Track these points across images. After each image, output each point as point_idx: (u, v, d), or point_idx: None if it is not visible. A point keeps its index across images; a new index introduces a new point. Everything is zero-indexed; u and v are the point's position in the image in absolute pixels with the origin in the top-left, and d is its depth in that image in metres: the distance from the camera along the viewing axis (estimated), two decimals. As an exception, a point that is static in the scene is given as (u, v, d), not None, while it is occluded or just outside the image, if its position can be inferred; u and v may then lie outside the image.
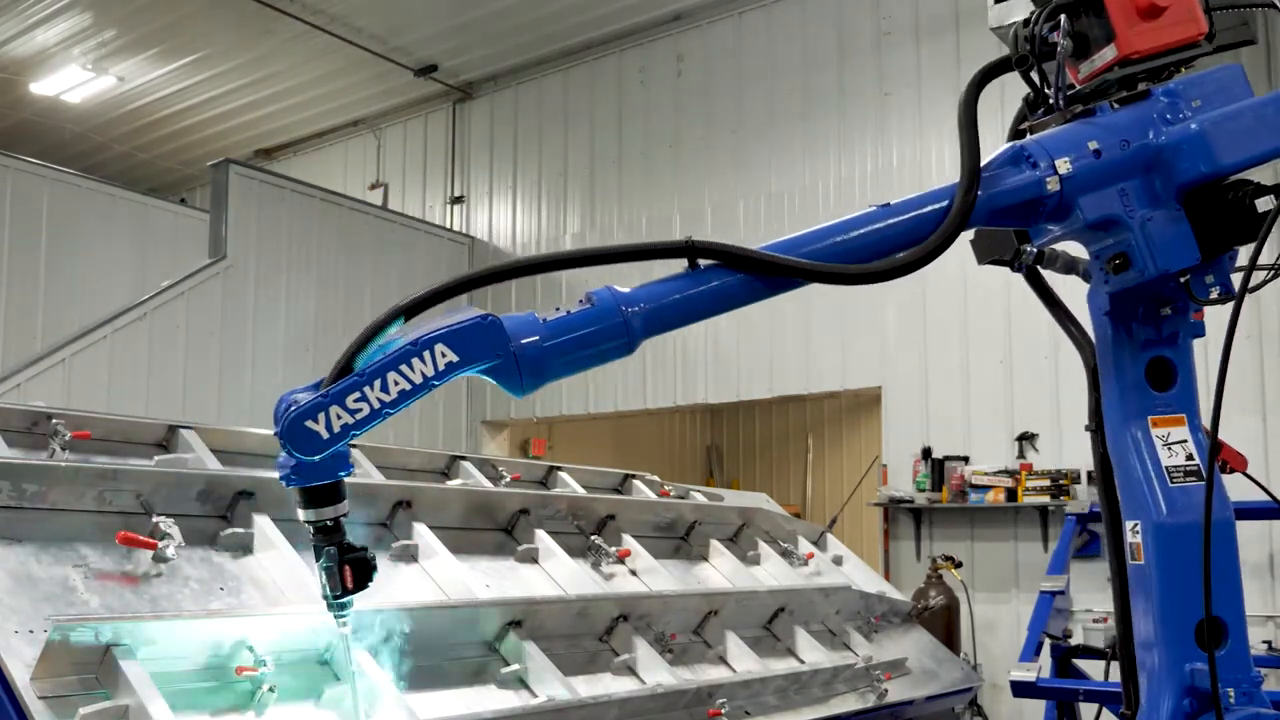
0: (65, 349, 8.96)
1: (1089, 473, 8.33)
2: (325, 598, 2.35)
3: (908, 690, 5.10)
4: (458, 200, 13.10)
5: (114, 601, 2.90)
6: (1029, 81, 2.81)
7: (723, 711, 3.87)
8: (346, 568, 2.34)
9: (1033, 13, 2.75)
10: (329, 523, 2.29)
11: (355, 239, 11.47)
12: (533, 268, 2.57)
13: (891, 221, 2.56)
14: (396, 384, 2.19)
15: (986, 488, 8.80)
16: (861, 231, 2.54)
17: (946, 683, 5.51)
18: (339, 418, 2.17)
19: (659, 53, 11.52)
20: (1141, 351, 2.64)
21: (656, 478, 6.09)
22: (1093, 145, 2.58)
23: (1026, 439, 8.85)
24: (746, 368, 10.52)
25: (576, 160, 12.09)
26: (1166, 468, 2.54)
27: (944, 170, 9.50)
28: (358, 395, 2.18)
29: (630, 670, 3.91)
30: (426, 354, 2.20)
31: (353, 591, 2.34)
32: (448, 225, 12.95)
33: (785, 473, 14.96)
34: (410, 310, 2.27)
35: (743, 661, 4.34)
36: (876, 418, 9.95)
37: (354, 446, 4.59)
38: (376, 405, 2.19)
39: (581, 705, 3.44)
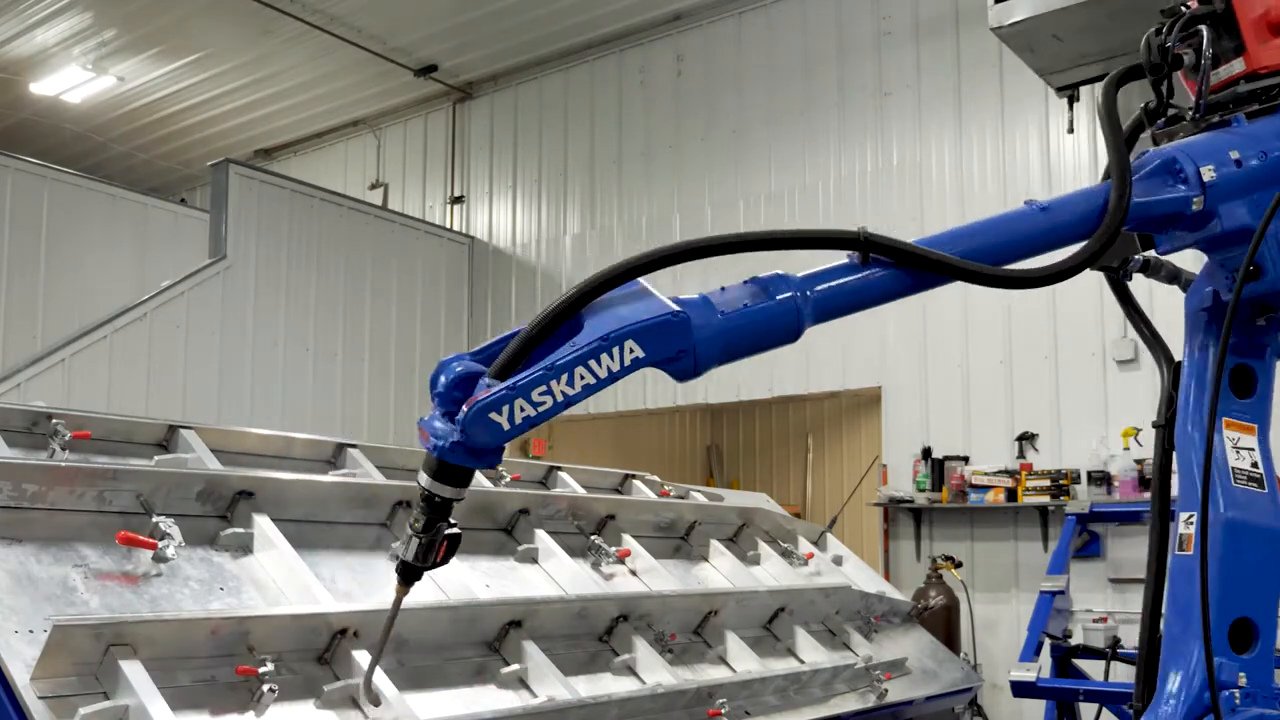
0: (65, 349, 8.96)
1: (1089, 473, 8.33)
2: (405, 562, 2.35)
3: (908, 690, 5.10)
4: (458, 200, 13.10)
5: (114, 601, 2.90)
6: (1156, 90, 2.85)
7: (723, 711, 3.87)
8: (445, 544, 2.33)
9: (1162, 23, 2.79)
10: (440, 500, 2.26)
11: (355, 239, 11.47)
12: (720, 248, 2.61)
13: (1045, 222, 2.57)
14: (582, 378, 2.14)
15: (986, 488, 8.80)
16: (1015, 231, 2.57)
17: (946, 683, 5.51)
18: (522, 410, 2.10)
19: (659, 53, 11.52)
20: (1230, 358, 2.67)
21: (656, 478, 6.09)
22: (1234, 155, 2.61)
23: (1026, 439, 8.85)
24: (746, 368, 10.51)
25: (576, 160, 12.09)
26: (1232, 468, 2.58)
27: (944, 170, 9.50)
28: (544, 389, 2.11)
29: (630, 670, 3.91)
30: (616, 349, 2.17)
31: (439, 565, 2.36)
32: (448, 225, 12.95)
33: (785, 473, 14.95)
34: (595, 290, 2.24)
35: (743, 661, 4.34)
36: (876, 418, 9.95)
37: (354, 447, 4.61)
38: (560, 399, 2.13)
39: (581, 705, 3.44)
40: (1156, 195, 2.57)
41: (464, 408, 2.10)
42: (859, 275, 2.44)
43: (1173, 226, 2.66)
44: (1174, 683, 2.52)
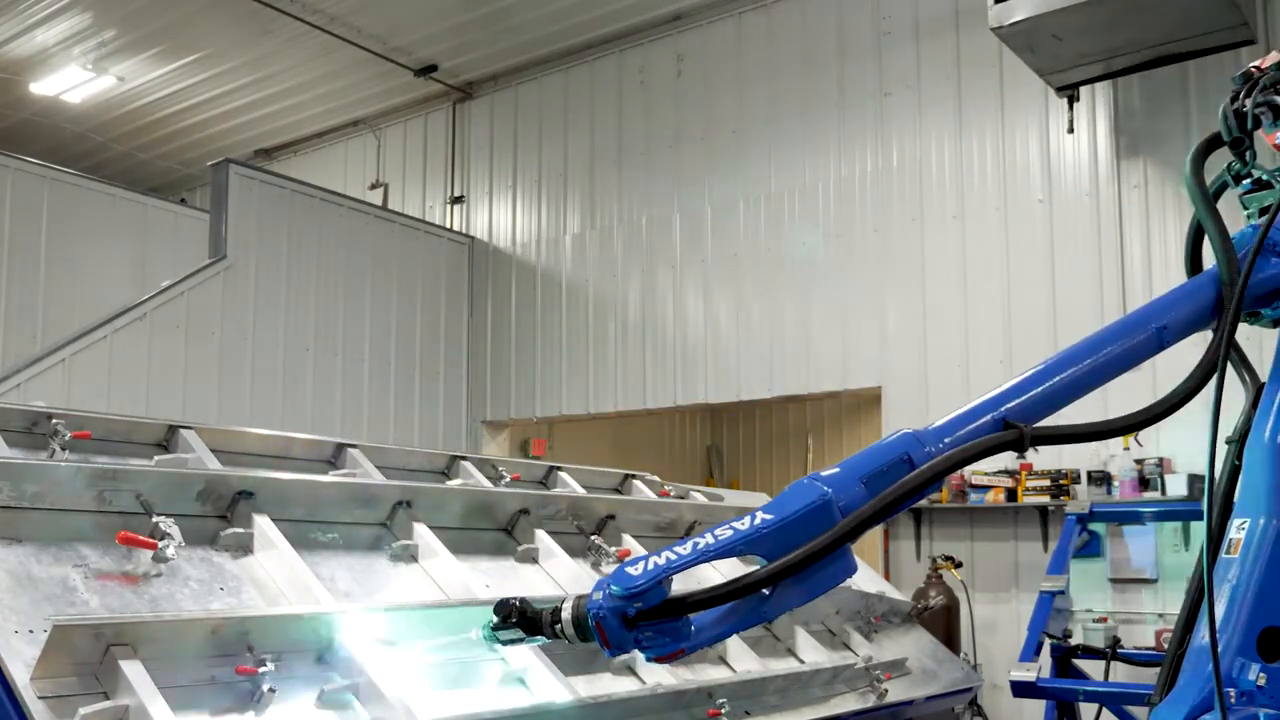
0: (65, 349, 8.95)
1: (1089, 473, 8.33)
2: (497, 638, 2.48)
3: (908, 690, 5.10)
4: (458, 200, 13.10)
5: (114, 601, 2.90)
6: (1239, 156, 2.88)
7: (723, 711, 3.87)
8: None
9: (1235, 90, 2.85)
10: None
11: (355, 239, 11.47)
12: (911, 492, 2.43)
13: (1155, 327, 2.68)
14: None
15: (986, 488, 8.80)
16: (1135, 351, 2.68)
17: (946, 683, 5.51)
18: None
19: (659, 53, 11.52)
20: None
21: (656, 478, 6.10)
22: None
23: (1026, 439, 8.84)
24: (746, 368, 10.52)
25: (576, 160, 12.09)
26: None
27: (944, 170, 9.50)
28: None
29: (630, 670, 3.91)
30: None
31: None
32: (448, 225, 12.95)
33: (785, 473, 14.94)
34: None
35: (743, 661, 4.35)
36: (876, 418, 9.94)
37: (354, 447, 4.61)
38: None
39: (581, 705, 3.44)
40: (1262, 273, 2.70)
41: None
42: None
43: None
44: (1197, 675, 2.53)
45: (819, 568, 2.24)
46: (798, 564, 2.19)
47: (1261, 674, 2.44)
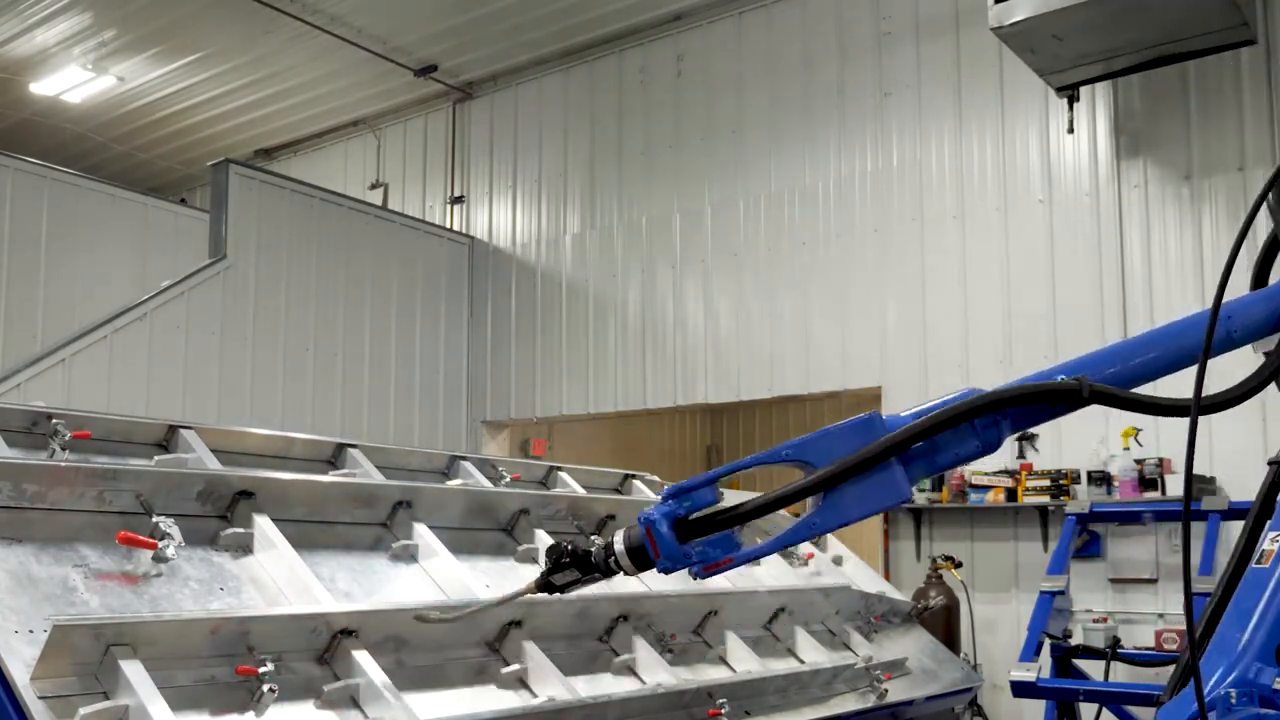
0: (65, 349, 8.95)
1: (1089, 473, 8.32)
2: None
3: (908, 690, 5.10)
4: (458, 200, 13.10)
5: (114, 601, 2.90)
6: None
7: (723, 711, 3.87)
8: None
9: None
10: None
11: (355, 239, 11.47)
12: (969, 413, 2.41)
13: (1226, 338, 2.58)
14: None
15: (986, 488, 8.80)
16: (1196, 342, 2.59)
17: (946, 683, 5.51)
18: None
19: (659, 53, 11.52)
20: None
21: (656, 478, 6.09)
22: None
23: (1026, 439, 8.85)
24: (746, 368, 10.52)
25: (576, 160, 12.09)
26: None
27: (944, 170, 9.50)
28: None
29: (630, 670, 3.91)
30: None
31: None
32: (448, 225, 12.95)
33: (785, 473, 14.93)
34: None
35: (743, 661, 4.35)
36: (876, 418, 9.93)
37: (354, 447, 4.61)
38: None
39: (581, 705, 3.44)
40: None
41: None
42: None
43: None
44: (1211, 675, 2.53)
45: (866, 482, 2.27)
46: (840, 474, 2.24)
47: (1278, 679, 2.44)
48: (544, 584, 2.44)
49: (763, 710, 4.18)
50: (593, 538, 2.41)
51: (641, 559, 2.29)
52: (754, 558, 2.40)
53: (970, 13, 9.26)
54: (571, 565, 2.41)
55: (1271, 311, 2.62)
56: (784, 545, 2.47)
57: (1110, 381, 2.49)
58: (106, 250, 11.03)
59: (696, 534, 2.27)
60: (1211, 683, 2.47)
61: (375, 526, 3.86)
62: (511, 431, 12.69)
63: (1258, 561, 2.58)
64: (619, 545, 2.30)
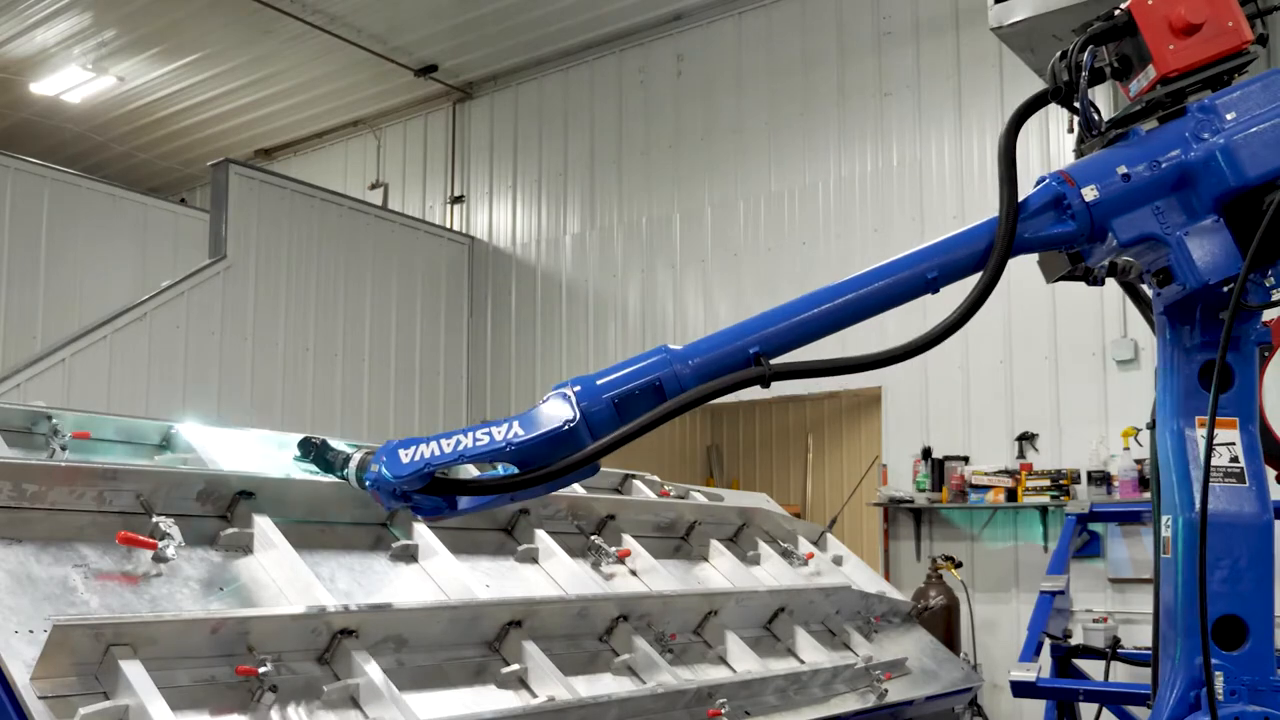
0: (65, 349, 8.96)
1: (1089, 473, 8.33)
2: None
3: (908, 690, 5.10)
4: (458, 200, 13.10)
5: (114, 601, 2.90)
6: (1073, 111, 2.85)
7: (723, 711, 3.87)
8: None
9: (1070, 45, 2.80)
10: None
11: (355, 239, 11.47)
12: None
13: (931, 263, 2.79)
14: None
15: (986, 488, 8.80)
16: (903, 275, 2.82)
17: (946, 683, 5.51)
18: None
19: (659, 53, 11.52)
20: (1198, 353, 2.65)
21: (656, 478, 6.09)
22: (1121, 170, 2.62)
23: (1026, 439, 8.85)
24: (746, 368, 10.50)
25: (576, 160, 12.09)
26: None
27: (944, 171, 9.50)
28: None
29: (630, 670, 3.91)
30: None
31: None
32: (448, 225, 12.95)
33: (785, 473, 14.95)
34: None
35: (743, 661, 4.34)
36: (876, 418, 9.94)
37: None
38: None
39: (581, 705, 3.44)
40: (1035, 231, 2.72)
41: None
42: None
43: (1073, 246, 2.73)
44: (1165, 684, 2.56)
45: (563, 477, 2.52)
46: (545, 478, 2.46)
47: (1220, 672, 2.47)
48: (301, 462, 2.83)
49: (762, 710, 4.18)
50: (341, 454, 2.64)
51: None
52: (467, 513, 2.64)
53: (970, 13, 9.26)
54: (315, 462, 2.72)
55: (971, 254, 2.76)
56: (490, 506, 2.73)
57: (783, 338, 2.66)
58: (106, 250, 11.03)
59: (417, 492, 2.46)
60: (1165, 688, 2.52)
61: (375, 526, 3.86)
62: (511, 431, 12.68)
63: (1163, 551, 2.60)
64: (351, 469, 2.56)
